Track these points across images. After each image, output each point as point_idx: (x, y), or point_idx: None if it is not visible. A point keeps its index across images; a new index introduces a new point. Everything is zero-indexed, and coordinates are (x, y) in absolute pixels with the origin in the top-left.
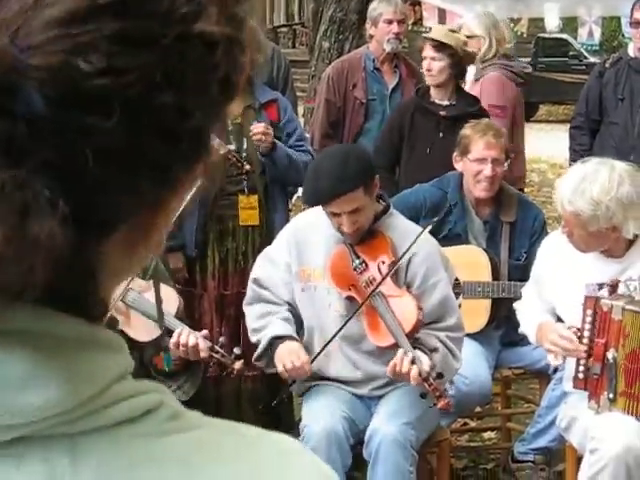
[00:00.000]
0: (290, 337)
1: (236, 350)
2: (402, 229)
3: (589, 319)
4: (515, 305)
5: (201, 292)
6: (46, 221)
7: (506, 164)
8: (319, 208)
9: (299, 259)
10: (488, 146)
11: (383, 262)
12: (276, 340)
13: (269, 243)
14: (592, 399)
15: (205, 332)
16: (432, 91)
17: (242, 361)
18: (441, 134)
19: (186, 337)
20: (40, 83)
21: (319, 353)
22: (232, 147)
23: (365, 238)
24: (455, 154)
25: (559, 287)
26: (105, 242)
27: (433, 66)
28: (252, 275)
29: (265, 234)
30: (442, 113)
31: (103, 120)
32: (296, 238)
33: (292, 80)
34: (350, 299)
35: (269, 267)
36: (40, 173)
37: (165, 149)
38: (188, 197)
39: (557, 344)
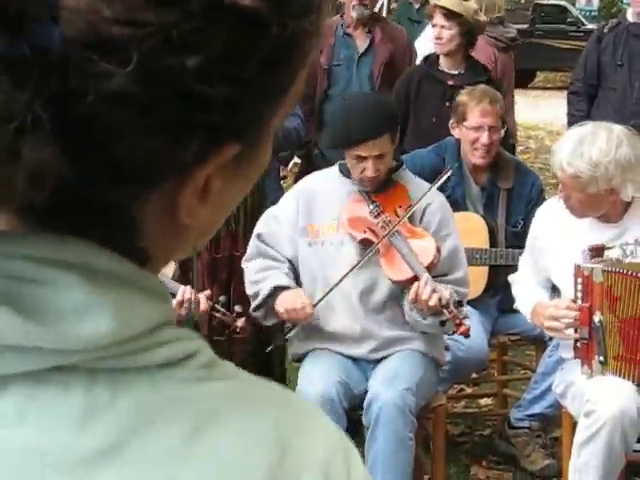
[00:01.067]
0: (291, 288)
1: (237, 308)
2: (415, 182)
3: (580, 287)
4: (510, 277)
5: (191, 256)
6: (40, 148)
7: (503, 130)
8: (327, 169)
9: (307, 215)
10: (484, 113)
11: (400, 206)
12: (277, 290)
13: (261, 209)
14: (584, 364)
15: (207, 292)
16: (441, 59)
17: (244, 318)
18: (447, 103)
19: (190, 292)
20: (64, 21)
21: (324, 297)
22: None
23: (381, 187)
24: (452, 121)
25: (555, 255)
26: (144, 195)
27: (443, 34)
28: (255, 231)
29: (257, 200)
30: (450, 82)
31: (118, 66)
32: (306, 195)
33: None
34: (365, 242)
35: (273, 224)
36: (45, 103)
37: (181, 110)
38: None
39: (554, 316)
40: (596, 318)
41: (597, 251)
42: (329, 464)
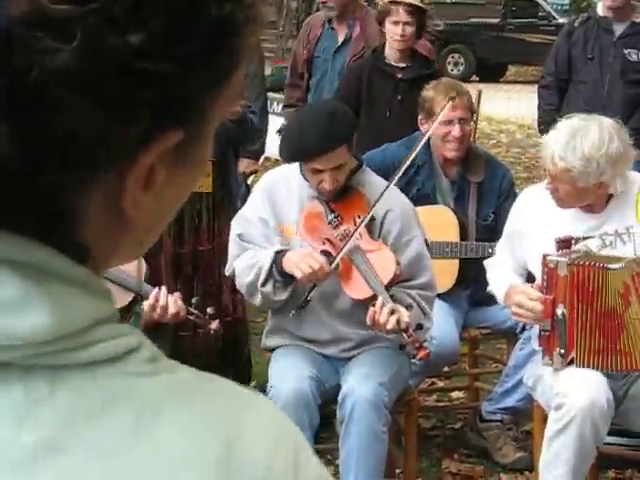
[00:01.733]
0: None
1: (210, 310)
2: (375, 185)
3: (545, 277)
4: (486, 262)
5: (157, 250)
6: None
7: (472, 122)
8: (289, 165)
9: (275, 215)
10: (453, 106)
11: (358, 216)
12: (278, 254)
13: (224, 203)
14: (546, 355)
15: (178, 293)
16: (387, 53)
17: (217, 320)
18: (399, 97)
19: (164, 298)
20: (9, 1)
21: (337, 256)
22: None
23: (339, 194)
24: (420, 117)
25: (533, 242)
26: (87, 183)
27: (407, 31)
28: (233, 233)
29: (220, 194)
30: (399, 75)
31: (62, 43)
32: (269, 194)
33: (258, 40)
34: (325, 253)
35: (246, 225)
36: None
37: (124, 87)
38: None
39: (524, 304)
40: (559, 311)
41: (565, 243)
42: (273, 457)
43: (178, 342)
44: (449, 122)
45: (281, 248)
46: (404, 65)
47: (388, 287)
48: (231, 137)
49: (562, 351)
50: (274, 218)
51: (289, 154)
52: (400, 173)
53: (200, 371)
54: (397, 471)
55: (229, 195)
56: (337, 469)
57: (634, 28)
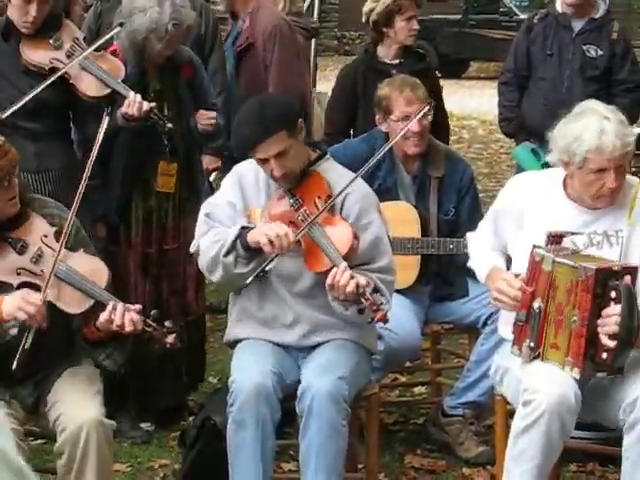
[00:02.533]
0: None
1: (167, 324)
2: (338, 172)
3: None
4: (468, 235)
5: (125, 251)
6: None
7: (430, 116)
8: None
9: (243, 199)
10: (409, 102)
11: (319, 197)
12: (244, 229)
13: (190, 203)
14: (515, 345)
15: (138, 306)
16: (380, 50)
17: (174, 335)
18: None
19: (120, 313)
20: None
21: (299, 233)
22: (153, 104)
23: (301, 179)
24: (377, 117)
25: (519, 228)
26: None
27: (417, 25)
28: (201, 214)
29: (186, 194)
30: (393, 72)
31: None
32: (239, 179)
33: (220, 36)
34: None
35: (214, 208)
36: None
37: None
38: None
39: (506, 292)
40: (536, 304)
41: (556, 238)
42: None
43: (145, 341)
44: (407, 118)
45: (246, 225)
46: (398, 61)
47: (348, 256)
48: (196, 137)
49: (532, 344)
50: (242, 201)
51: (235, 150)
52: (366, 167)
53: None
54: (359, 466)
55: (195, 194)
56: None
57: (592, 24)
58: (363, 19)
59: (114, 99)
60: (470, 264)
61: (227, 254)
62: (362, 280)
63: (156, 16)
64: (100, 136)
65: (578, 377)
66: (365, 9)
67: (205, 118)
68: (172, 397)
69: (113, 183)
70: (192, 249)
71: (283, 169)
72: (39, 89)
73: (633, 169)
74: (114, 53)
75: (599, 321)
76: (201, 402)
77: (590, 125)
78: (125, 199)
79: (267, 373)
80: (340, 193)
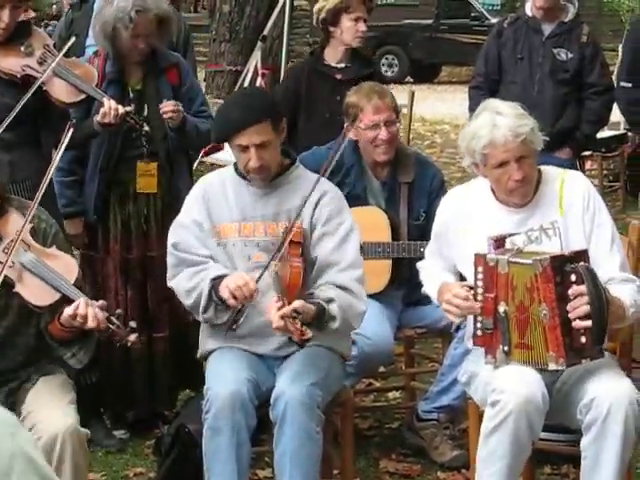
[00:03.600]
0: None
1: (132, 323)
2: (310, 180)
3: (480, 276)
4: (418, 264)
5: (104, 256)
6: None
7: (398, 123)
8: (223, 169)
9: (210, 217)
10: (377, 110)
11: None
12: (216, 281)
13: (173, 208)
14: (488, 354)
15: (102, 302)
16: (327, 53)
17: (136, 335)
18: (338, 97)
19: (84, 309)
20: None
21: (262, 273)
22: (129, 108)
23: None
24: (346, 124)
25: (460, 242)
26: None
27: (365, 28)
28: (169, 243)
29: (168, 199)
30: (338, 76)
31: None
32: (205, 197)
33: (192, 44)
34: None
35: (181, 231)
36: None
37: None
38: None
39: (452, 302)
40: (501, 309)
41: (500, 242)
42: None
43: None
44: (375, 126)
45: (217, 274)
46: (344, 66)
47: (291, 295)
48: (178, 142)
49: (506, 348)
50: (209, 220)
51: (216, 134)
52: (327, 174)
53: None
54: (335, 472)
55: (177, 199)
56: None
57: (562, 28)
58: (314, 20)
59: (89, 105)
60: (424, 290)
61: (206, 310)
62: (286, 309)
63: (122, 4)
64: (62, 147)
65: (564, 368)
66: (315, 8)
67: (169, 107)
68: (160, 403)
69: (90, 182)
70: (168, 284)
71: (261, 160)
72: (24, 101)
73: (604, 171)
74: (96, 54)
75: (568, 307)
76: (176, 410)
77: (483, 122)
78: (103, 199)
79: (242, 380)
80: (303, 206)
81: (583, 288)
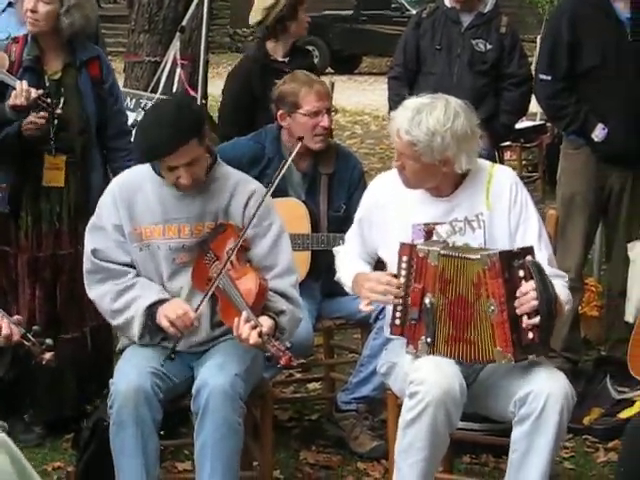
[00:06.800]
0: (164, 300)
1: (48, 341)
2: (232, 177)
3: (405, 265)
4: (335, 249)
5: (15, 251)
6: None
7: (333, 113)
8: (139, 167)
9: (130, 219)
10: (320, 97)
11: (231, 249)
12: (151, 308)
13: (85, 203)
14: (410, 344)
15: (18, 317)
16: (270, 47)
17: (52, 353)
18: None
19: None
20: None
21: (203, 300)
22: (41, 91)
23: (218, 232)
24: (280, 112)
25: (385, 229)
26: None
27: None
28: (88, 248)
29: (81, 194)
30: (287, 70)
31: None
32: (122, 199)
33: (102, 35)
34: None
35: (100, 235)
36: None
37: None
38: None
39: (375, 289)
40: (427, 300)
41: (430, 232)
42: None
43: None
44: (317, 113)
45: (150, 302)
46: (288, 59)
47: (255, 306)
48: (102, 134)
49: (429, 340)
50: (130, 223)
51: (141, 155)
52: (273, 187)
53: None
54: (254, 464)
55: (89, 196)
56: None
57: (481, 19)
58: (259, 16)
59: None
60: (337, 277)
61: (141, 338)
62: (265, 328)
63: None
64: None
65: (513, 363)
66: (265, 5)
67: (33, 117)
68: (73, 406)
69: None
70: (87, 293)
71: (192, 177)
72: None
73: (523, 162)
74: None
75: (516, 302)
76: (95, 405)
77: (409, 104)
78: (15, 190)
79: (146, 375)
80: (236, 247)
81: (531, 284)
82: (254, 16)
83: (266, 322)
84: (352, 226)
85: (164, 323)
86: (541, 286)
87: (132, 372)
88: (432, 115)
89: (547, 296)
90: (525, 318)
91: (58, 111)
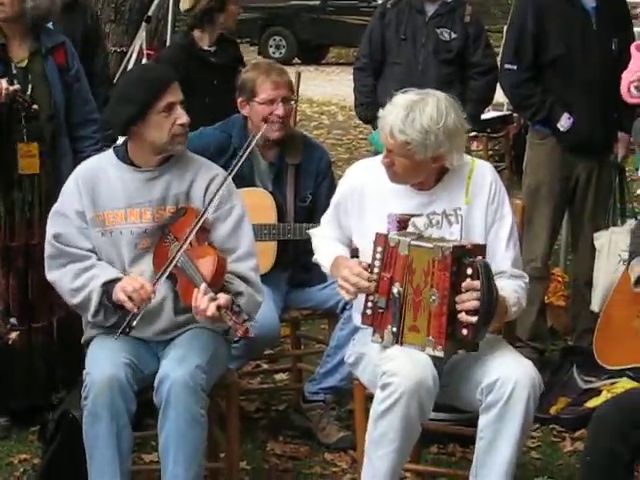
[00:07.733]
0: (122, 279)
1: (12, 320)
2: (198, 161)
3: (379, 256)
4: (311, 231)
5: None
6: None
7: (292, 102)
8: (101, 154)
9: (93, 205)
10: (276, 86)
11: (191, 229)
12: (109, 285)
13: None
14: (377, 333)
15: None
16: (198, 38)
17: (18, 332)
18: (215, 81)
19: None
20: None
21: (161, 275)
22: (18, 87)
23: (179, 216)
24: (240, 99)
25: (359, 216)
26: None
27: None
28: (49, 233)
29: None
30: (213, 59)
31: None
32: (85, 183)
33: (103, 30)
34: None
35: (62, 221)
36: None
37: None
38: None
39: (348, 280)
40: (395, 289)
41: (403, 223)
42: None
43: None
44: (272, 101)
45: (108, 278)
46: (215, 49)
47: (213, 283)
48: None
49: (394, 329)
50: (92, 208)
51: (137, 104)
52: (236, 168)
53: None
54: (221, 455)
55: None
56: None
57: (445, 8)
58: (187, 4)
59: None
60: (315, 258)
61: (95, 315)
62: (222, 300)
63: None
64: None
65: (442, 355)
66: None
67: None
68: (38, 396)
69: None
70: (47, 276)
71: (187, 116)
72: None
73: (490, 152)
74: None
75: (457, 298)
76: (60, 397)
77: (398, 101)
78: None
79: (120, 365)
80: (194, 228)
81: (477, 283)
82: (184, 3)
83: (224, 296)
84: (328, 209)
85: (121, 297)
86: (485, 288)
87: (106, 362)
88: (425, 113)
89: (489, 299)
90: (463, 314)
91: (35, 107)
